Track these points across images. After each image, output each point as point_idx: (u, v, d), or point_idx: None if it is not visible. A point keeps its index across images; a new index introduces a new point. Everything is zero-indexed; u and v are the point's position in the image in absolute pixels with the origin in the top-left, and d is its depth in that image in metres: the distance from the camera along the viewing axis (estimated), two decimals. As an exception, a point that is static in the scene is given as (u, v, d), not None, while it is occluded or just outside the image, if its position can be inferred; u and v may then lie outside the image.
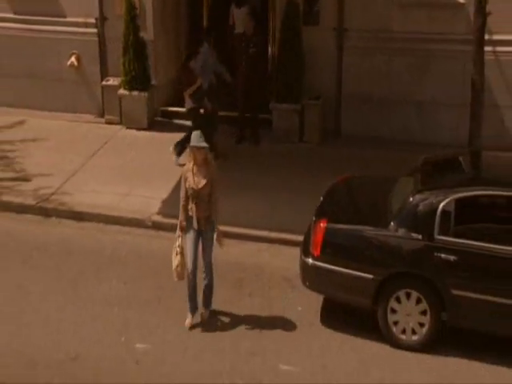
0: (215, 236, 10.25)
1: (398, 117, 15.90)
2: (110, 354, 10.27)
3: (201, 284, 10.42)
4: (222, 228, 11.94)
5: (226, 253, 11.99)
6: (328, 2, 15.97)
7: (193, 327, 10.31)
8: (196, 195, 10.00)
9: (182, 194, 10.17)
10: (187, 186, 10.08)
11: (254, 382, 9.78)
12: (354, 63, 16.04)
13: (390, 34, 15.65)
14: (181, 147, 15.21)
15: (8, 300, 11.47)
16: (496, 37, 14.61)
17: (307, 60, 16.17)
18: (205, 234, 10.21)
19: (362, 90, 16.04)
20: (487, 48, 14.17)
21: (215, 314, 10.92)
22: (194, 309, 10.42)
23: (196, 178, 10.03)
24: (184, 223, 10.19)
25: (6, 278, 11.99)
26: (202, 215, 10.09)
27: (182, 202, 10.17)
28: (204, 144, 9.95)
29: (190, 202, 10.10)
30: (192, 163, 10.10)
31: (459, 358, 10.12)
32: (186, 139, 14.50)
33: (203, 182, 9.99)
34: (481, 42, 12.15)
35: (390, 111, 15.91)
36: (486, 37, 13.97)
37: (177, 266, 10.15)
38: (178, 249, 10.16)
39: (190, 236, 10.23)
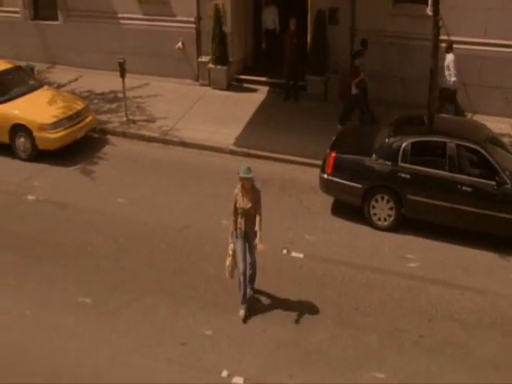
0: (257, 244, 9.11)
1: (389, 86, 15.89)
2: (207, 226, 11.44)
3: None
4: (274, 155, 13.28)
5: (273, 171, 13.31)
6: (344, 11, 15.98)
7: (245, 320, 9.35)
8: (245, 213, 9.04)
9: (233, 210, 9.21)
10: (238, 206, 9.08)
11: (289, 245, 10.98)
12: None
13: (385, 32, 15.70)
14: (345, 118, 14.93)
15: (145, 193, 12.64)
16: (451, 37, 14.81)
17: (330, 48, 16.36)
18: (250, 240, 9.21)
19: (365, 69, 15.57)
20: (446, 44, 14.52)
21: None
22: (245, 301, 9.40)
23: (245, 200, 9.02)
24: (235, 233, 9.24)
25: (144, 182, 13.09)
26: (249, 228, 9.14)
27: (232, 217, 9.23)
28: (251, 175, 8.99)
29: (240, 218, 9.10)
30: (241, 188, 9.11)
31: (414, 237, 11.25)
32: (347, 112, 14.90)
33: (250, 204, 9.01)
34: (436, 45, 12.38)
35: (384, 82, 15.85)
36: (445, 37, 14.52)
37: (228, 266, 9.25)
38: (231, 252, 9.20)
39: (239, 243, 9.22)
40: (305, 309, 9.61)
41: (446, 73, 14.53)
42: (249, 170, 9.03)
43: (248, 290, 9.44)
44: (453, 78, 14.45)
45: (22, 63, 15.93)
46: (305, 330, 9.22)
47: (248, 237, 9.23)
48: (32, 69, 16.00)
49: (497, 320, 9.44)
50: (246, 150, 14.30)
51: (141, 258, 10.76)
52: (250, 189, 9.09)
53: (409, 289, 10.04)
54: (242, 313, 9.36)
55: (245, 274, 9.28)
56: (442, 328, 9.26)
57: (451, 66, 14.46)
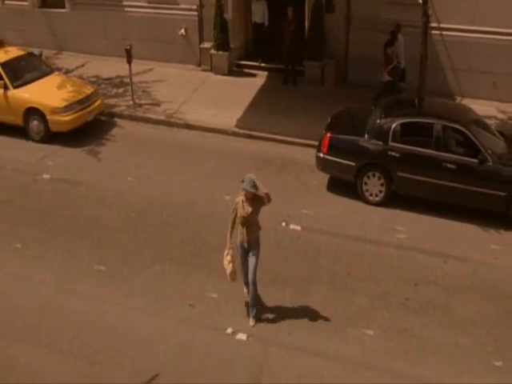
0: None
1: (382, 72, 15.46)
2: (211, 201, 12.24)
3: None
4: (274, 136, 13.99)
5: (273, 151, 13.98)
6: (340, -1, 16.76)
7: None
8: (246, 221, 8.95)
9: (230, 220, 9.13)
10: (238, 215, 8.98)
11: (287, 218, 11.72)
12: (355, 37, 16.64)
13: (378, 20, 16.14)
14: (377, 99, 14.67)
15: (153, 172, 13.43)
16: (442, 25, 15.67)
17: (327, 35, 16.91)
18: (251, 251, 9.22)
19: (360, 54, 16.48)
20: (436, 31, 15.58)
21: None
22: (252, 313, 9.52)
23: (245, 209, 8.93)
24: (231, 239, 9.16)
25: (151, 161, 13.87)
26: (252, 237, 9.10)
27: (229, 226, 9.15)
28: (254, 189, 8.78)
29: (241, 227, 9.02)
30: (242, 199, 8.98)
31: (403, 211, 12.03)
32: (381, 94, 14.76)
33: (250, 208, 8.90)
34: (425, 32, 12.86)
35: (377, 68, 15.63)
36: (435, 24, 15.40)
37: (231, 273, 9.19)
38: (229, 258, 9.12)
39: (241, 253, 9.31)
40: (302, 274, 10.52)
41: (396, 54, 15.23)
42: (253, 185, 8.80)
43: (252, 314, 9.54)
44: (401, 59, 15.14)
45: (35, 51, 16.63)
46: (301, 292, 10.14)
47: (251, 246, 9.19)
48: (40, 54, 16.74)
49: (476, 285, 10.35)
50: (247, 131, 15.02)
51: (150, 230, 11.64)
52: (252, 199, 8.96)
53: (397, 257, 10.93)
54: (252, 323, 9.51)
55: (248, 285, 9.45)
56: (427, 291, 10.17)
57: (399, 48, 15.18)
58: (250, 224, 9.07)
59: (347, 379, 8.67)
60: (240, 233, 9.16)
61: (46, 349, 9.22)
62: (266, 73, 18.08)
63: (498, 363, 8.90)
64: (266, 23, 18.12)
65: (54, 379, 8.70)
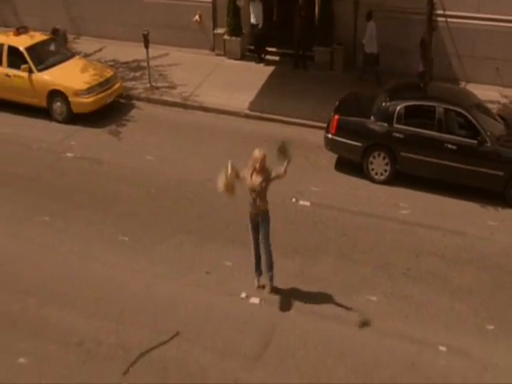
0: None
1: (389, 56, 16.47)
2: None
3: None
4: (285, 118, 14.53)
5: (284, 132, 14.48)
6: (349, -14, 17.09)
7: (260, 287, 10.11)
8: (254, 191, 9.27)
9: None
10: (247, 186, 9.33)
11: (297, 194, 12.45)
12: (363, 24, 16.59)
13: (384, 7, 16.57)
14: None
15: (170, 151, 14.12)
16: (447, 12, 16.16)
17: (336, 21, 17.40)
18: (261, 223, 9.52)
19: (367, 40, 16.40)
20: (442, 18, 16.10)
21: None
22: (259, 274, 10.07)
23: (254, 179, 9.30)
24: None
25: (168, 141, 14.50)
26: (260, 209, 9.40)
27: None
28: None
29: (250, 196, 9.37)
30: (251, 171, 9.36)
31: (406, 189, 12.66)
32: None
33: (259, 180, 9.27)
34: (430, 19, 13.54)
35: (384, 53, 16.37)
36: (441, 11, 15.93)
37: (225, 185, 9.29)
38: (223, 173, 9.25)
39: (252, 231, 9.66)
40: (310, 246, 11.27)
41: (368, 39, 15.96)
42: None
43: (269, 275, 9.94)
44: (372, 44, 15.91)
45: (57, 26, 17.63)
46: (310, 263, 10.90)
47: (260, 218, 9.49)
48: (64, 34, 17.47)
49: (473, 257, 11.07)
50: (259, 113, 15.65)
51: (169, 205, 12.39)
52: (260, 169, 9.25)
53: (400, 231, 11.63)
54: (255, 283, 10.19)
55: (258, 251, 9.78)
56: (427, 262, 10.90)
57: (371, 33, 15.84)
58: (259, 194, 9.30)
59: (351, 339, 9.44)
60: (250, 204, 9.45)
61: (75, 310, 10.00)
62: (277, 57, 18.57)
63: (491, 327, 9.64)
64: (260, 25, 18.34)
65: (83, 336, 9.51)
